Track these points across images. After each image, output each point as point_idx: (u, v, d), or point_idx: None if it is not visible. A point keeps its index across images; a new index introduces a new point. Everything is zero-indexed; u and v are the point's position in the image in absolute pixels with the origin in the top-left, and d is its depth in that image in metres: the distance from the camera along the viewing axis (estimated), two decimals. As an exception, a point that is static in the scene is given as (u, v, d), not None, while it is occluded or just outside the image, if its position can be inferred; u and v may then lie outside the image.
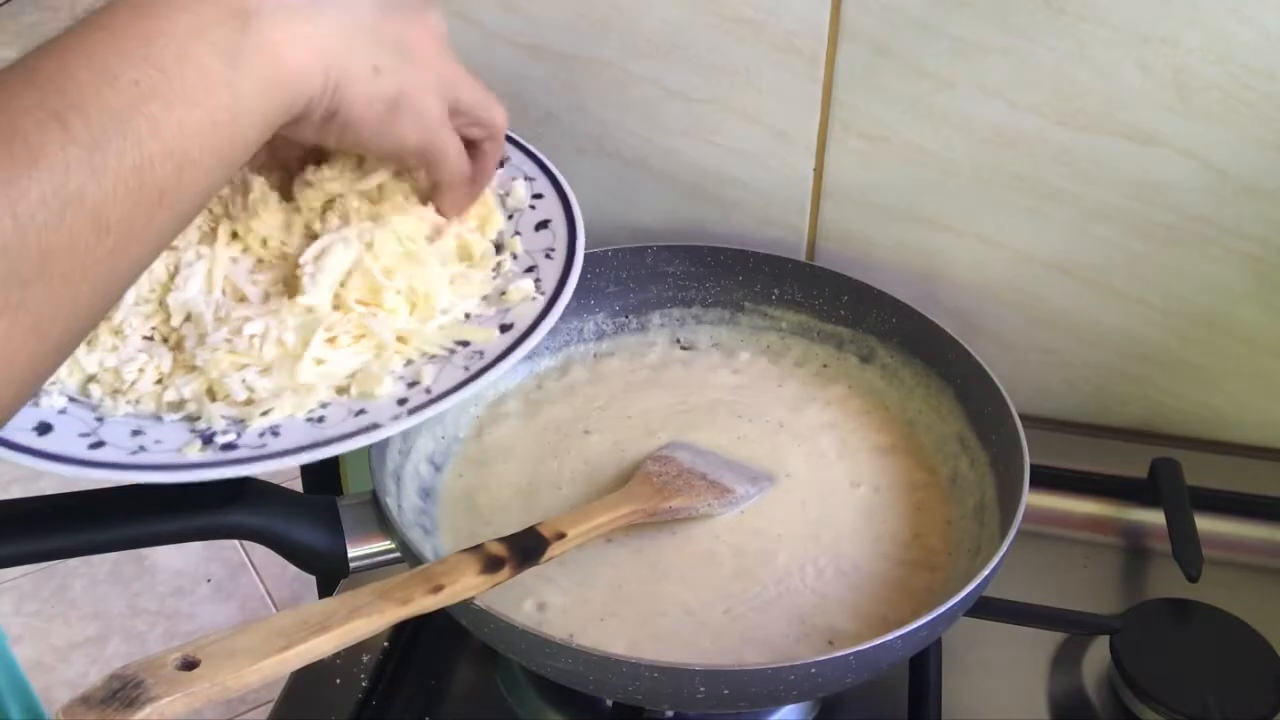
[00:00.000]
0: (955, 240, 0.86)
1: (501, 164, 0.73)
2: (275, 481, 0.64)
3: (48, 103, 0.39)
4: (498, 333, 0.63)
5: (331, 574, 0.65)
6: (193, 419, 0.59)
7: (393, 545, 0.63)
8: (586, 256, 0.69)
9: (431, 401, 0.60)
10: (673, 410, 0.79)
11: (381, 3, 0.53)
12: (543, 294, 0.66)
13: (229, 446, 0.57)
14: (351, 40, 0.50)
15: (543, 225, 0.70)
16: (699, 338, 0.85)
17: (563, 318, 0.82)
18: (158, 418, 0.59)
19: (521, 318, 0.64)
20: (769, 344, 0.84)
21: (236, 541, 1.87)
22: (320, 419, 0.59)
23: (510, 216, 0.71)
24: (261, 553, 1.44)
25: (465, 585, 0.56)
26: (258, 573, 1.96)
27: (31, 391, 0.40)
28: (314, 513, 0.64)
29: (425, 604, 0.54)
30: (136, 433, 0.58)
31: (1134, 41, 0.75)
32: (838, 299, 0.82)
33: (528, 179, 0.73)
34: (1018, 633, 0.71)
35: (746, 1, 0.80)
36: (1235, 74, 0.75)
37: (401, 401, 0.60)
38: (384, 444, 0.68)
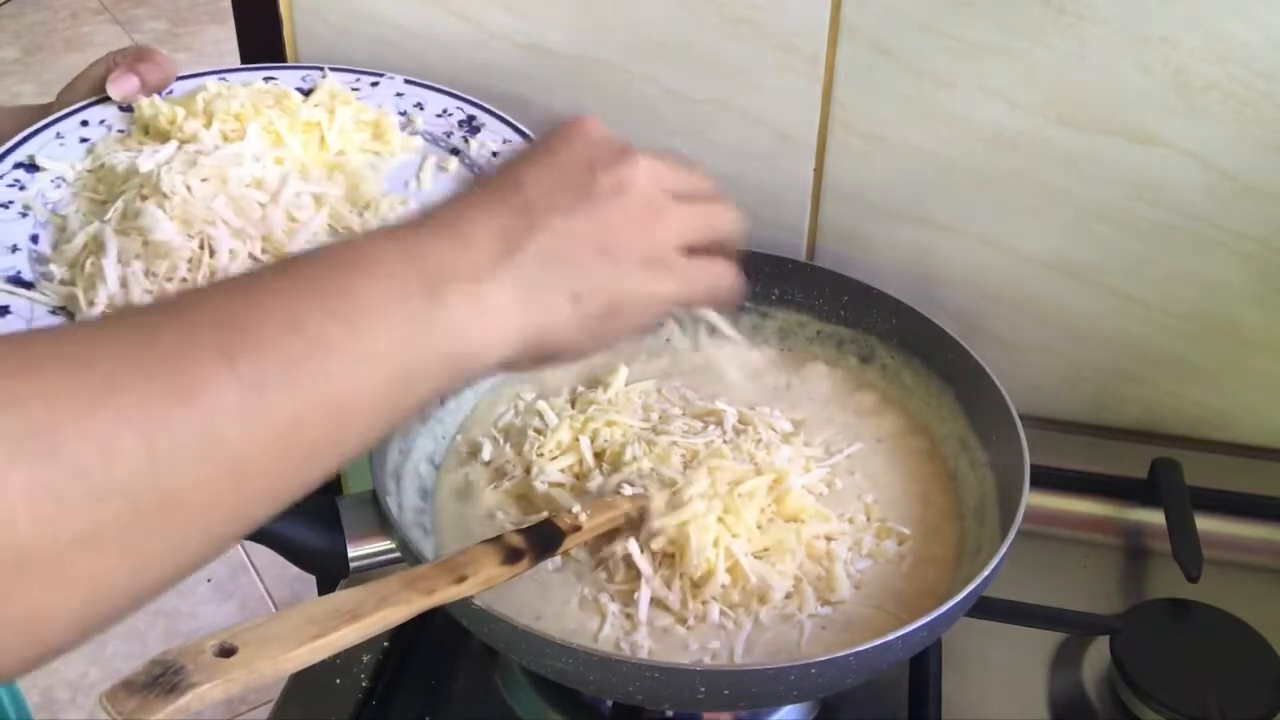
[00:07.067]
0: (955, 240, 0.85)
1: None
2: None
3: (224, 340, 0.38)
4: None
5: (331, 574, 0.65)
6: None
7: (393, 545, 0.63)
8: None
9: None
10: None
11: (572, 200, 0.48)
12: None
13: None
14: (545, 278, 0.47)
15: None
16: (699, 338, 0.85)
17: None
18: None
19: None
20: (769, 344, 0.84)
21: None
22: None
23: None
24: (261, 553, 1.44)
25: (488, 575, 0.56)
26: (258, 573, 1.96)
27: (122, 618, 0.38)
28: (314, 513, 0.64)
29: (449, 594, 0.54)
30: None
31: (1134, 41, 0.75)
32: (838, 299, 0.82)
33: None
34: (1018, 633, 0.71)
35: (746, 1, 0.80)
36: (1235, 74, 0.75)
37: None
38: (384, 444, 0.68)
